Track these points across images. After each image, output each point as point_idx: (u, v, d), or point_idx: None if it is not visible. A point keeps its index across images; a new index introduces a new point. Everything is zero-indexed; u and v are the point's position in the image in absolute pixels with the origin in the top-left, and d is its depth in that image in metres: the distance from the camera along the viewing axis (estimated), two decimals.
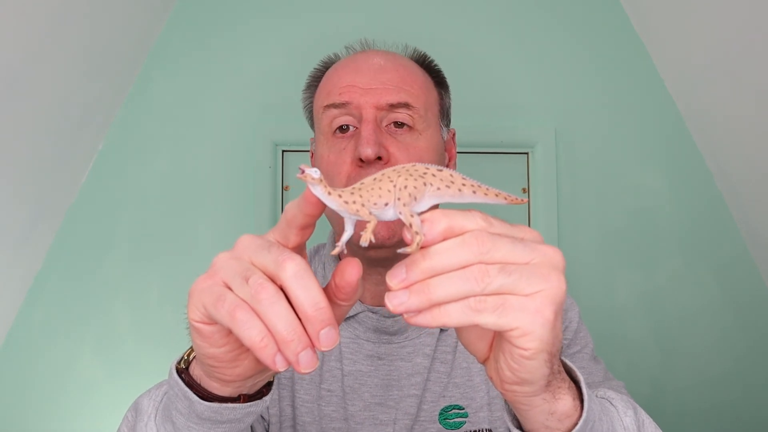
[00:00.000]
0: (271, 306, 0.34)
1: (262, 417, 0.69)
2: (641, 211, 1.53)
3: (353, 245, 0.63)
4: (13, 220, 1.23)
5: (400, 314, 0.35)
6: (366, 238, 0.35)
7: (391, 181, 0.36)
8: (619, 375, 1.43)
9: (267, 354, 0.34)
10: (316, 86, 0.73)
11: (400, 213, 0.35)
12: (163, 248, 1.45)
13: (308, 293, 0.34)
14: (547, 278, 0.34)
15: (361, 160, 0.62)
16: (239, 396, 0.44)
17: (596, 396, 0.47)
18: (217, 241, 1.43)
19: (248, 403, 0.44)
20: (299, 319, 0.34)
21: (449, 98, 0.75)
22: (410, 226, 0.34)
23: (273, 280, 0.35)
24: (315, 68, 0.75)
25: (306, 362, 0.34)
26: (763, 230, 1.44)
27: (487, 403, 0.68)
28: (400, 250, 0.36)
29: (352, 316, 0.69)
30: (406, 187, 0.35)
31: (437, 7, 1.52)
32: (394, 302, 0.34)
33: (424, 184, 0.36)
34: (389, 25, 1.47)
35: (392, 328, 0.68)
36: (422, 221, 0.35)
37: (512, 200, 0.38)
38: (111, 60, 1.34)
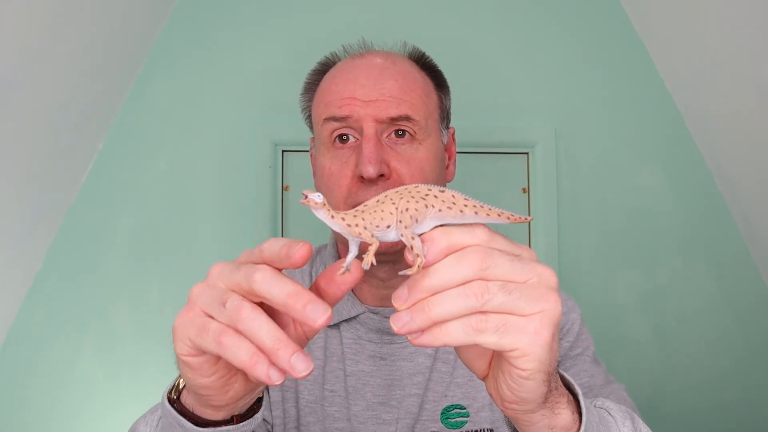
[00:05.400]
0: (251, 322, 0.35)
1: (264, 420, 0.69)
2: (641, 211, 1.53)
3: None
4: (13, 219, 1.23)
5: (405, 335, 0.35)
6: (367, 261, 0.36)
7: (393, 203, 0.36)
8: (619, 375, 1.43)
9: (260, 371, 0.35)
10: (314, 90, 0.72)
11: (402, 235, 0.36)
12: (163, 248, 1.45)
13: (281, 286, 0.35)
14: (545, 299, 0.35)
15: (362, 177, 0.62)
16: (232, 417, 0.45)
17: (594, 406, 0.48)
18: (216, 240, 1.43)
19: (242, 423, 0.45)
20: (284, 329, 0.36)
21: (449, 98, 0.74)
22: (411, 248, 0.35)
23: (250, 298, 0.36)
24: (312, 70, 0.74)
25: (299, 366, 0.35)
26: (763, 230, 1.44)
27: (489, 403, 0.68)
28: (401, 273, 0.37)
29: (354, 317, 0.70)
30: (407, 209, 0.36)
31: (437, 7, 1.52)
32: (398, 324, 0.35)
33: (426, 206, 0.36)
34: (388, 25, 1.47)
35: None
36: (423, 241, 0.35)
37: (515, 219, 0.38)
38: (111, 60, 1.34)
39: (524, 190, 1.53)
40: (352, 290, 0.71)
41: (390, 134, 0.65)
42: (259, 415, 0.47)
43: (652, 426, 0.51)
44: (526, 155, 1.53)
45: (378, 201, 0.37)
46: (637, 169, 1.53)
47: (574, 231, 1.51)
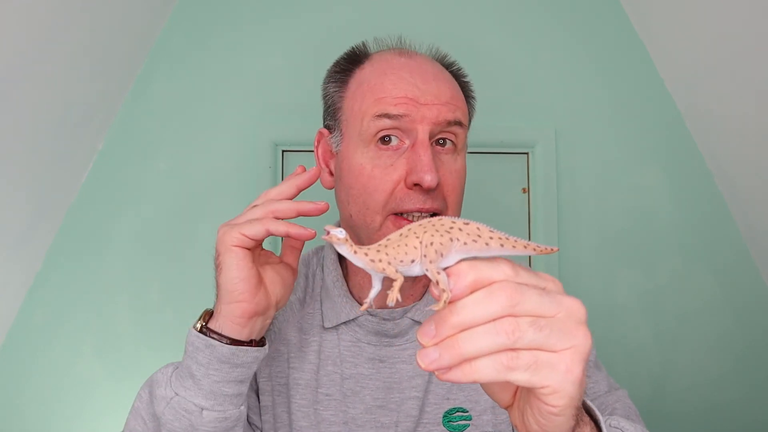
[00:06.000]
0: (279, 204, 0.54)
1: (253, 424, 0.68)
2: (641, 211, 1.53)
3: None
4: (13, 219, 1.23)
5: (433, 372, 0.35)
6: (393, 298, 0.36)
7: (417, 237, 0.36)
8: (619, 375, 1.44)
9: (299, 230, 0.52)
10: (345, 80, 0.68)
11: (427, 270, 0.35)
12: (163, 248, 1.45)
13: (288, 203, 0.54)
14: (574, 334, 0.35)
15: (415, 184, 0.60)
16: (251, 341, 0.55)
17: (610, 425, 0.47)
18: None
19: (256, 348, 0.56)
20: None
21: (473, 110, 0.74)
22: (437, 283, 0.34)
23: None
24: (342, 59, 0.71)
25: (319, 203, 0.54)
26: (763, 230, 1.44)
27: (491, 407, 0.67)
28: (427, 308, 0.36)
29: (352, 320, 0.69)
30: (432, 243, 0.35)
31: (436, 7, 1.52)
32: (425, 361, 0.34)
33: (450, 240, 0.36)
34: (389, 24, 1.46)
35: (392, 331, 0.68)
36: (448, 275, 0.34)
37: (541, 251, 0.37)
38: (111, 60, 1.34)
39: (524, 190, 1.53)
40: (351, 293, 0.70)
41: (432, 142, 0.63)
42: (266, 348, 0.58)
43: (653, 426, 0.51)
44: (526, 155, 1.53)
45: (401, 235, 0.36)
46: (637, 169, 1.53)
47: (574, 231, 1.51)
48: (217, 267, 0.54)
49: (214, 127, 1.48)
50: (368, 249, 0.36)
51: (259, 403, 0.69)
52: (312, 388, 0.68)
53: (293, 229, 0.51)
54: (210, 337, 0.53)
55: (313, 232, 0.51)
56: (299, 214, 0.53)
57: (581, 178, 1.52)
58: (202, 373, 0.53)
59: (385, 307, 0.68)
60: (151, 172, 1.46)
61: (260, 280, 0.54)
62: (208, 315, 0.56)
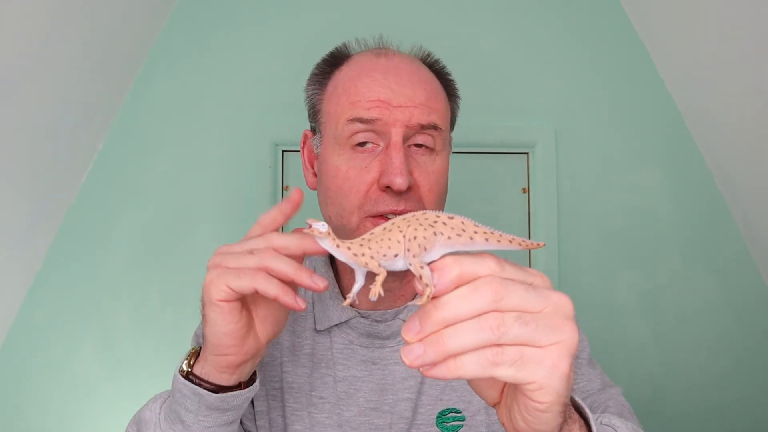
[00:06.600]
0: (277, 260, 0.45)
1: (249, 431, 0.69)
2: (641, 211, 1.53)
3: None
4: (13, 220, 1.23)
5: (417, 368, 0.34)
6: (375, 292, 0.36)
7: (401, 232, 0.36)
8: (618, 375, 1.44)
9: (289, 298, 0.45)
10: (325, 83, 0.68)
11: (410, 264, 0.35)
12: (163, 248, 1.45)
13: (288, 262, 0.45)
14: (561, 329, 0.34)
15: (387, 187, 0.60)
16: (239, 384, 0.52)
17: (601, 423, 0.47)
18: (216, 240, 1.43)
19: (247, 389, 0.52)
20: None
21: (458, 108, 0.73)
22: (420, 277, 0.34)
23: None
24: (322, 60, 0.70)
25: (319, 281, 0.45)
26: (763, 230, 1.44)
27: (485, 407, 0.67)
28: (410, 303, 0.36)
29: (345, 322, 0.69)
30: (415, 237, 0.35)
31: (437, 7, 1.52)
32: (410, 357, 0.34)
33: (434, 234, 0.35)
34: (389, 24, 1.46)
35: (385, 332, 0.68)
36: (432, 270, 0.34)
37: (527, 245, 0.37)
38: (111, 60, 1.34)
39: (524, 190, 1.53)
40: (343, 296, 0.70)
41: (409, 144, 0.63)
42: (257, 384, 0.54)
43: (653, 427, 0.51)
44: (526, 155, 1.53)
45: (385, 229, 0.36)
46: (637, 169, 1.53)
47: (574, 231, 1.51)
48: (203, 317, 0.49)
49: (214, 128, 1.48)
50: (351, 243, 0.36)
51: (253, 408, 0.69)
52: (306, 391, 0.68)
53: (283, 298, 0.44)
54: (197, 384, 0.50)
55: (304, 306, 0.45)
56: (294, 281, 0.45)
57: (581, 178, 1.52)
58: (192, 419, 0.51)
59: (376, 308, 0.68)
60: (151, 172, 1.46)
61: (250, 328, 0.49)
62: (195, 356, 0.52)
